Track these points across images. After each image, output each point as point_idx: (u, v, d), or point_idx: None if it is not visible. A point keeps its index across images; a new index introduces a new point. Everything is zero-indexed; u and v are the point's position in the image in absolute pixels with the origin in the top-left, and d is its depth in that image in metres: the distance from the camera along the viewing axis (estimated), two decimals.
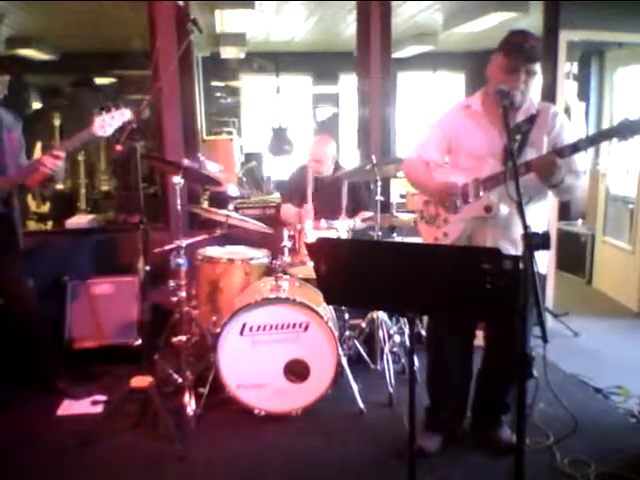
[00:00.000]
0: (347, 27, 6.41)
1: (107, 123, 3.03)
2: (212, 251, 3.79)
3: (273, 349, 3.16)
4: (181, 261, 3.20)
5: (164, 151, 4.32)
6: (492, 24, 5.57)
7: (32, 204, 5.74)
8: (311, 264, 2.17)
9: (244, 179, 7.15)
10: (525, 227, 1.83)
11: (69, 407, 3.34)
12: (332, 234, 3.62)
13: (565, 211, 6.20)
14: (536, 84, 2.60)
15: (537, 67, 2.52)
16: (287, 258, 3.50)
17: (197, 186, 4.54)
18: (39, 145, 5.64)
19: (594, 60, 6.55)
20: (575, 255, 6.02)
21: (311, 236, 3.56)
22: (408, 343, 3.08)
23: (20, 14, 5.40)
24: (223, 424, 3.15)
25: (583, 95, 6.67)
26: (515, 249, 2.51)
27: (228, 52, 7.52)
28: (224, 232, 3.62)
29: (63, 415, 3.28)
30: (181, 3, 3.23)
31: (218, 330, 3.20)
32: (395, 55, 5.66)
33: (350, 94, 8.41)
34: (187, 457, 2.82)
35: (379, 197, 3.63)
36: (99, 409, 3.32)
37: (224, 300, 3.59)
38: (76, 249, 4.30)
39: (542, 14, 4.62)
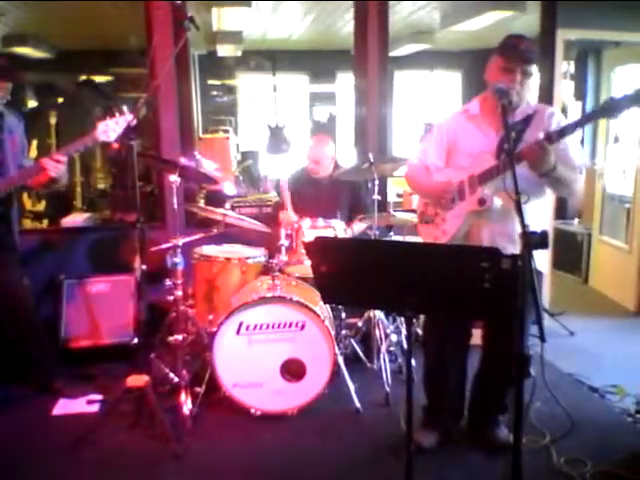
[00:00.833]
0: (344, 25, 6.40)
1: (111, 128, 3.02)
2: (209, 250, 3.78)
3: (269, 348, 3.16)
4: (177, 260, 3.19)
5: (160, 149, 4.31)
6: (489, 23, 5.58)
7: (28, 202, 5.72)
8: (308, 263, 2.17)
9: (240, 178, 7.14)
10: (523, 226, 1.83)
11: (65, 406, 3.33)
12: (329, 233, 3.62)
13: (561, 210, 6.21)
14: (532, 85, 2.62)
15: (532, 68, 2.56)
16: (284, 257, 3.49)
17: (194, 185, 4.53)
18: (35, 143, 5.62)
19: (591, 59, 6.57)
20: (571, 254, 6.02)
21: (309, 235, 3.56)
22: (405, 342, 3.09)
23: (16, 12, 5.38)
24: (219, 423, 3.15)
25: (580, 94, 6.68)
26: (512, 245, 2.51)
27: (225, 50, 7.52)
28: (221, 231, 3.61)
29: (59, 414, 3.27)
30: (178, 1, 3.22)
31: (214, 329, 3.19)
32: (392, 53, 5.66)
33: (347, 93, 8.42)
34: (183, 456, 2.81)
35: (376, 196, 3.63)
36: (95, 408, 3.30)
37: (221, 299, 3.58)
38: (72, 248, 4.29)
39: (539, 13, 4.63)
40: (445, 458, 2.82)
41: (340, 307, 3.72)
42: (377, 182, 3.64)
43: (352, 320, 3.90)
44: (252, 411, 3.18)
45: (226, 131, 8.05)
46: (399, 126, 8.22)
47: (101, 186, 6.87)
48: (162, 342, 3.47)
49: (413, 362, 2.87)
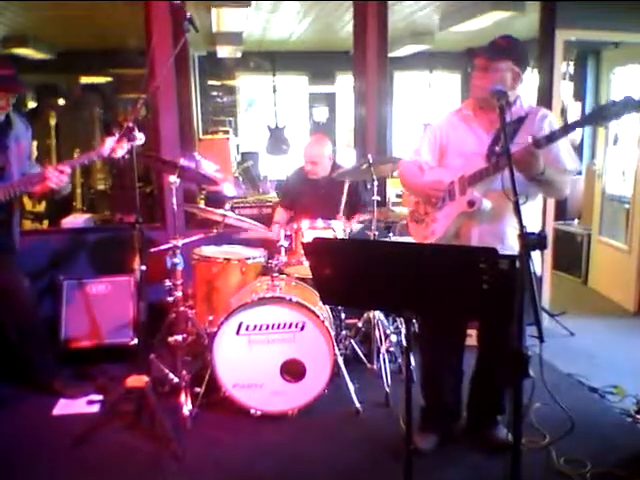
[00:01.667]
0: (344, 26, 6.41)
1: (119, 146, 3.03)
2: (208, 250, 3.79)
3: (269, 349, 3.16)
4: (177, 260, 3.19)
5: (160, 150, 4.31)
6: (488, 24, 5.58)
7: (28, 204, 5.72)
8: (307, 264, 2.17)
9: (240, 178, 7.15)
10: (522, 227, 1.83)
11: (65, 407, 3.34)
12: (329, 234, 3.62)
13: (561, 211, 6.21)
14: (523, 86, 2.63)
15: (498, 63, 2.55)
16: (283, 257, 3.50)
17: (193, 185, 4.54)
18: (35, 144, 5.63)
19: (590, 60, 6.58)
20: (571, 255, 6.03)
21: (308, 236, 3.56)
22: (405, 343, 3.09)
23: (16, 13, 5.39)
24: (219, 424, 3.15)
25: (579, 95, 6.68)
26: (502, 245, 2.52)
27: (224, 51, 7.52)
28: (220, 231, 3.61)
29: (59, 415, 3.27)
30: (177, 2, 3.22)
31: (214, 329, 3.19)
32: (391, 54, 5.66)
33: (347, 93, 8.43)
34: (183, 457, 2.81)
35: (375, 197, 3.63)
36: (95, 409, 3.31)
37: (220, 299, 3.59)
38: (72, 249, 4.29)
39: (538, 14, 4.63)
40: (444, 458, 2.82)
41: (340, 308, 3.72)
42: (376, 183, 3.65)
43: (352, 321, 3.91)
44: (252, 411, 3.18)
45: (226, 132, 8.06)
46: (399, 127, 8.24)
47: (101, 187, 6.88)
48: (162, 343, 3.47)
49: (412, 362, 2.88)
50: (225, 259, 3.64)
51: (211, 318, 3.50)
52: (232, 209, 4.39)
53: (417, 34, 6.94)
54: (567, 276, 6.08)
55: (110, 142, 3.02)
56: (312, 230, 3.63)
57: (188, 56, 4.87)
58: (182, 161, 3.25)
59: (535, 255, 1.82)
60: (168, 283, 3.22)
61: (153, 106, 4.31)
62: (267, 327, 3.15)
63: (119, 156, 3.06)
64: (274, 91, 8.59)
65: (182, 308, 3.29)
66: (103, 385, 3.54)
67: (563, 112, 5.97)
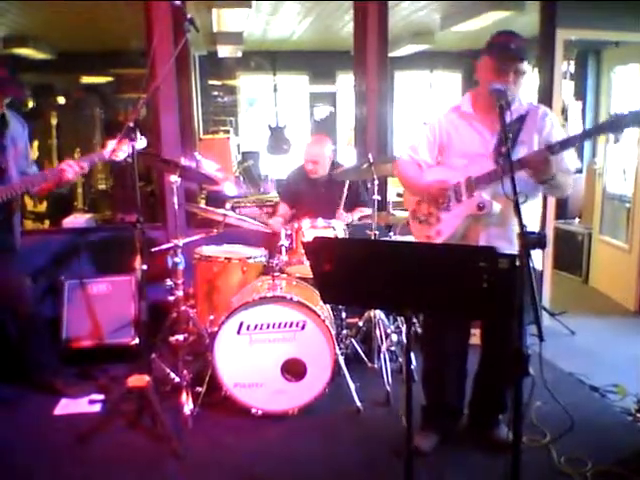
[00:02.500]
0: (344, 26, 6.41)
1: (120, 149, 3.06)
2: (209, 250, 3.79)
3: (270, 348, 3.17)
4: (178, 260, 3.20)
5: (161, 150, 4.32)
6: (488, 23, 5.58)
7: (29, 203, 5.74)
8: (308, 263, 2.17)
9: (241, 178, 7.15)
10: (522, 226, 1.84)
11: (66, 406, 3.34)
12: (329, 233, 3.63)
13: (562, 210, 6.21)
14: (525, 83, 2.61)
15: (525, 66, 2.55)
16: (284, 257, 3.51)
17: (194, 185, 4.54)
18: (36, 144, 5.64)
19: (591, 59, 6.58)
20: (572, 254, 6.03)
21: (308, 235, 3.57)
22: (405, 342, 3.09)
23: (17, 13, 5.39)
24: (220, 423, 3.15)
25: (580, 94, 6.69)
26: (510, 246, 2.51)
27: (225, 51, 7.52)
28: (221, 231, 3.61)
29: (60, 414, 3.27)
30: (178, 2, 3.22)
31: (215, 329, 3.20)
32: (392, 54, 5.67)
33: (347, 93, 8.43)
34: (184, 456, 2.81)
35: (376, 196, 3.63)
36: (96, 408, 3.31)
37: (221, 299, 3.59)
38: (73, 248, 4.29)
39: (538, 13, 4.63)
40: (445, 457, 2.83)
41: (340, 307, 3.73)
42: (377, 182, 3.65)
43: (352, 320, 3.91)
44: (253, 411, 3.18)
45: (227, 131, 8.06)
46: (399, 126, 8.23)
47: (102, 187, 6.89)
48: (163, 342, 3.47)
49: (414, 361, 2.88)
50: (226, 258, 3.65)
51: (212, 317, 3.50)
52: (233, 209, 4.40)
53: (417, 34, 6.95)
54: (568, 275, 6.08)
55: (112, 145, 3.03)
56: (313, 229, 3.63)
57: (189, 56, 4.88)
58: (183, 160, 3.26)
59: (535, 252, 1.83)
60: (169, 283, 3.23)
61: (154, 106, 4.31)
62: (268, 326, 3.16)
63: (121, 159, 3.07)
64: (275, 90, 8.60)
65: (183, 308, 3.30)
66: (104, 385, 3.55)
67: (564, 111, 5.97)
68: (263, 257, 3.77)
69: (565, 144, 2.42)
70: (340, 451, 2.92)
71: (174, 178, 3.18)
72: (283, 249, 3.51)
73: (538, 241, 1.81)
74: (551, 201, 4.59)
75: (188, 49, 4.53)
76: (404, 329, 3.80)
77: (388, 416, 3.20)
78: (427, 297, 1.91)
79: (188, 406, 3.12)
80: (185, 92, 4.42)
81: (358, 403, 3.26)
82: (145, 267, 3.03)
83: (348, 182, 3.97)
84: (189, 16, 3.11)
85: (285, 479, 2.75)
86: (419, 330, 3.85)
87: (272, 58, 8.43)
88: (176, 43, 3.68)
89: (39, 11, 5.38)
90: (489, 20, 5.50)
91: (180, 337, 3.21)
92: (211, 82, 8.64)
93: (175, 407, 3.13)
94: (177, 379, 3.26)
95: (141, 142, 3.01)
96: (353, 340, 3.75)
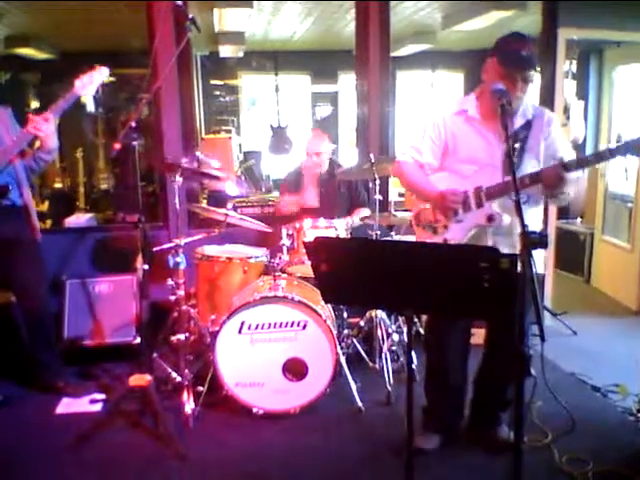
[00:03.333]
0: (346, 25, 6.41)
1: (87, 83, 3.12)
2: (211, 250, 3.79)
3: (271, 347, 3.17)
4: (180, 260, 3.20)
5: (163, 149, 4.32)
6: (491, 22, 5.58)
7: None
8: (309, 263, 2.17)
9: (242, 178, 7.16)
10: (523, 226, 1.83)
11: (68, 405, 3.34)
12: (331, 233, 3.63)
13: (564, 209, 6.20)
14: (531, 88, 2.60)
15: (533, 73, 2.52)
16: (286, 257, 3.51)
17: (196, 184, 4.54)
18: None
19: (593, 58, 6.57)
20: (574, 254, 6.02)
21: (310, 235, 3.57)
22: (406, 341, 3.09)
23: (18, 13, 5.40)
24: (221, 423, 3.15)
25: (582, 93, 6.67)
26: (514, 251, 2.50)
27: (227, 51, 7.53)
28: (222, 231, 3.62)
29: (62, 413, 3.28)
30: (179, 2, 3.22)
31: (216, 328, 3.20)
32: (394, 54, 5.66)
33: (349, 93, 8.43)
34: (185, 455, 2.81)
35: (377, 196, 3.63)
36: (98, 407, 3.32)
37: (222, 298, 3.59)
38: (75, 248, 4.30)
39: (540, 13, 4.63)
40: (446, 457, 2.82)
41: (342, 306, 3.73)
42: (378, 182, 3.65)
43: (354, 319, 3.91)
44: (254, 410, 3.19)
45: (228, 131, 8.07)
46: (401, 126, 8.24)
47: (104, 186, 6.91)
48: (164, 342, 3.48)
49: (415, 361, 2.87)
50: (227, 258, 3.65)
51: (213, 317, 3.51)
52: (234, 208, 4.40)
53: (419, 33, 6.95)
54: (570, 275, 6.07)
55: (79, 82, 3.11)
56: (314, 229, 3.63)
57: (190, 56, 4.89)
58: (184, 161, 3.26)
59: (538, 255, 1.82)
60: (170, 282, 3.23)
61: (156, 106, 4.32)
62: (269, 326, 3.16)
63: (92, 93, 3.19)
64: (276, 90, 8.60)
65: (184, 307, 3.30)
66: (106, 384, 3.56)
67: (566, 110, 5.96)
68: (264, 257, 3.77)
69: (581, 163, 2.41)
70: (341, 451, 2.92)
71: (176, 178, 3.17)
72: (284, 249, 3.52)
73: (539, 241, 1.81)
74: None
75: (190, 49, 4.54)
76: (405, 329, 3.80)
77: (389, 416, 3.19)
78: (428, 297, 1.90)
79: (189, 405, 3.12)
80: (187, 92, 4.43)
81: (359, 403, 3.26)
82: (147, 267, 3.03)
83: (346, 183, 3.98)
84: (191, 16, 3.11)
85: (286, 479, 2.75)
86: (420, 330, 3.86)
87: (274, 58, 8.43)
88: (178, 43, 3.68)
89: (41, 11, 5.39)
90: (491, 20, 5.50)
91: (181, 336, 3.21)
92: (213, 82, 8.65)
93: (176, 406, 3.13)
94: (178, 378, 3.26)
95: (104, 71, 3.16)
96: (354, 340, 3.75)
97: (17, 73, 7.25)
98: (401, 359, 3.75)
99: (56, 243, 4.27)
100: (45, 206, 6.00)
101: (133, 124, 2.95)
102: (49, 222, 5.77)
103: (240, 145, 8.28)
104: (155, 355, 3.43)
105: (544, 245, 1.82)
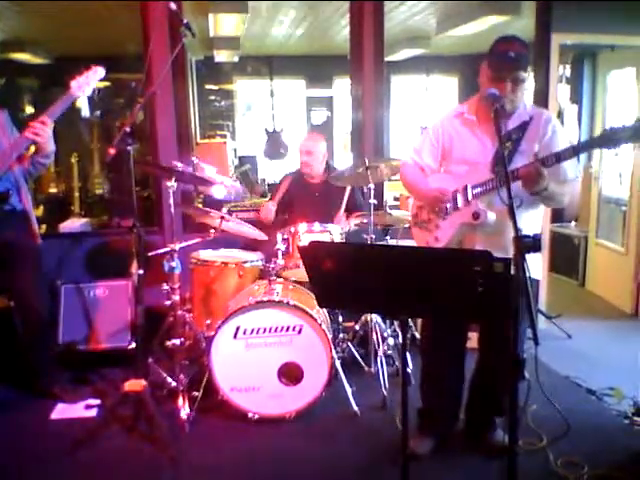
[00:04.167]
0: (340, 30, 6.43)
1: (83, 83, 3.12)
2: (206, 254, 3.79)
3: (267, 352, 3.16)
4: (175, 264, 3.19)
5: (157, 154, 4.32)
6: (484, 27, 5.60)
7: None
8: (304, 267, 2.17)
9: (238, 182, 7.15)
10: (516, 230, 1.84)
11: (63, 411, 3.33)
12: (325, 237, 3.63)
13: (558, 213, 6.23)
14: (526, 89, 2.61)
15: (524, 74, 2.52)
16: (281, 261, 3.51)
17: (191, 189, 4.54)
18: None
19: (587, 63, 6.60)
20: (568, 257, 6.04)
21: (304, 239, 3.57)
22: (401, 345, 3.09)
23: (13, 18, 5.40)
24: (217, 427, 3.15)
25: (576, 98, 6.71)
26: (505, 254, 2.51)
27: (222, 55, 7.54)
28: (218, 235, 3.61)
29: (57, 419, 3.27)
30: (173, 6, 3.23)
31: (212, 333, 3.20)
32: (388, 58, 5.68)
33: (344, 97, 8.44)
34: (180, 460, 2.81)
35: (372, 200, 3.64)
36: (93, 413, 3.31)
37: (218, 303, 3.59)
38: (69, 253, 4.30)
39: (534, 17, 4.65)
40: (441, 461, 2.82)
41: (337, 311, 3.73)
42: (373, 186, 3.65)
43: (349, 324, 3.91)
44: (249, 415, 3.18)
45: (223, 136, 8.07)
46: (396, 130, 8.26)
47: (99, 191, 6.89)
48: (160, 346, 3.48)
49: (410, 365, 2.87)
50: (222, 263, 3.65)
51: (209, 322, 3.50)
52: (229, 213, 4.39)
53: (413, 38, 6.96)
54: (564, 278, 6.09)
55: (75, 83, 3.10)
56: (309, 234, 3.63)
57: (185, 60, 4.88)
58: (179, 165, 3.26)
59: (535, 260, 1.83)
60: (166, 287, 3.22)
61: (150, 110, 4.32)
62: (264, 330, 3.16)
63: (89, 94, 3.17)
64: (271, 95, 8.61)
65: (180, 312, 3.30)
66: (101, 389, 3.55)
67: (559, 115, 5.99)
68: (260, 261, 3.77)
69: (559, 157, 2.41)
70: (337, 455, 2.92)
71: (170, 183, 3.17)
72: (279, 253, 3.52)
73: (533, 245, 1.81)
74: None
75: (185, 54, 4.53)
76: (400, 333, 3.80)
77: (385, 420, 3.19)
78: (422, 301, 1.91)
79: (184, 410, 3.12)
80: (182, 96, 4.43)
81: (355, 407, 3.26)
82: (142, 271, 3.03)
83: (343, 189, 3.98)
84: (185, 21, 3.12)
85: None
86: (415, 334, 3.86)
87: (269, 62, 8.45)
88: (173, 48, 3.69)
89: (36, 16, 5.39)
90: (485, 24, 5.52)
91: (177, 341, 3.20)
92: (208, 86, 8.66)
93: (171, 411, 3.13)
94: (173, 383, 3.26)
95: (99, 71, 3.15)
96: (350, 344, 3.75)
97: (13, 78, 7.23)
98: (396, 363, 3.75)
99: (51, 248, 4.25)
100: (40, 211, 5.97)
101: (128, 129, 2.95)
102: (44, 227, 5.74)
103: (235, 150, 8.27)
104: (150, 360, 3.43)
105: (537, 249, 1.83)
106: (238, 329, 3.15)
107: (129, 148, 2.98)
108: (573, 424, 2.72)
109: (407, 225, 3.17)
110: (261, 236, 3.74)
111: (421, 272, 1.88)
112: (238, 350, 3.16)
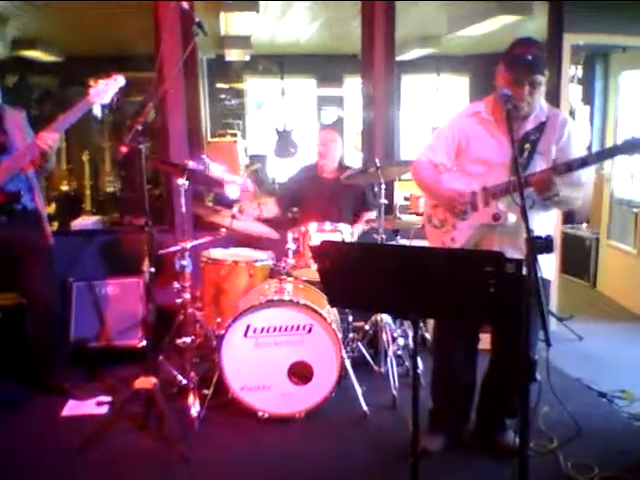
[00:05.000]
0: (352, 30, 6.42)
1: (102, 90, 3.10)
2: (216, 253, 3.80)
3: (277, 351, 3.17)
4: (186, 263, 3.21)
5: (169, 153, 4.34)
6: (496, 27, 5.58)
7: None
8: (315, 266, 2.18)
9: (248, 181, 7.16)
10: (528, 231, 1.84)
11: (74, 408, 3.35)
12: (337, 237, 3.63)
13: (570, 214, 6.20)
14: (543, 91, 2.60)
15: (541, 77, 2.52)
16: (291, 260, 3.51)
17: (203, 188, 4.55)
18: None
19: (598, 63, 6.56)
20: (580, 259, 6.01)
21: (316, 239, 3.57)
22: (412, 346, 3.09)
23: (25, 16, 5.43)
24: (227, 426, 3.16)
25: (588, 99, 6.67)
26: (521, 255, 2.50)
27: (233, 54, 7.55)
28: (229, 232, 3.62)
29: (68, 416, 3.29)
30: (186, 5, 3.24)
31: (222, 331, 3.21)
32: (399, 58, 5.67)
33: (355, 97, 8.44)
34: (190, 458, 2.82)
35: (383, 200, 3.64)
36: (104, 410, 3.32)
37: (228, 302, 3.60)
38: (81, 251, 4.32)
39: (546, 17, 4.63)
40: (452, 462, 2.82)
41: (347, 310, 3.73)
42: (384, 186, 3.65)
43: (359, 323, 3.91)
44: (259, 414, 3.19)
45: (234, 135, 8.08)
46: (406, 130, 8.24)
47: (110, 189, 6.92)
48: (170, 344, 3.49)
49: (420, 365, 2.86)
50: (233, 262, 3.65)
51: (219, 320, 3.51)
52: (240, 212, 4.40)
53: (424, 38, 6.95)
54: (576, 280, 6.06)
55: (94, 90, 3.08)
56: (320, 233, 3.64)
57: (197, 59, 4.89)
58: (191, 164, 3.27)
59: (548, 261, 1.83)
60: (177, 285, 3.24)
61: (162, 109, 4.33)
62: (275, 329, 3.16)
63: (107, 101, 3.12)
64: (282, 94, 8.61)
65: (190, 310, 3.31)
66: (112, 386, 3.57)
67: (571, 115, 5.96)
68: (270, 260, 3.77)
69: (570, 166, 2.41)
70: (347, 455, 2.92)
71: (182, 181, 3.18)
72: (290, 252, 3.52)
73: (545, 245, 1.81)
74: None
75: (196, 53, 4.54)
76: (411, 333, 3.79)
77: (394, 420, 3.19)
78: (434, 301, 1.91)
79: (195, 408, 3.13)
80: (193, 95, 4.45)
81: (365, 407, 3.26)
82: (153, 269, 3.04)
83: (354, 188, 3.98)
84: (197, 20, 3.13)
85: None
86: (426, 334, 3.86)
87: (280, 61, 8.45)
88: (184, 47, 3.70)
89: (48, 14, 5.41)
90: (496, 24, 5.50)
91: (187, 339, 3.21)
92: (219, 85, 8.67)
93: (182, 409, 3.14)
94: (184, 381, 3.27)
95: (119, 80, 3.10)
96: (360, 344, 3.75)
97: (24, 76, 7.27)
98: (406, 363, 3.75)
99: (63, 245, 4.26)
100: (51, 208, 6.01)
101: (139, 127, 2.96)
102: (55, 224, 5.78)
103: (246, 149, 8.28)
104: (161, 358, 3.44)
105: (550, 250, 1.82)
106: (248, 328, 3.15)
107: (141, 146, 2.99)
108: (584, 426, 2.71)
109: (419, 226, 3.16)
110: (272, 234, 3.75)
111: (432, 272, 1.88)
112: (248, 349, 3.17)
